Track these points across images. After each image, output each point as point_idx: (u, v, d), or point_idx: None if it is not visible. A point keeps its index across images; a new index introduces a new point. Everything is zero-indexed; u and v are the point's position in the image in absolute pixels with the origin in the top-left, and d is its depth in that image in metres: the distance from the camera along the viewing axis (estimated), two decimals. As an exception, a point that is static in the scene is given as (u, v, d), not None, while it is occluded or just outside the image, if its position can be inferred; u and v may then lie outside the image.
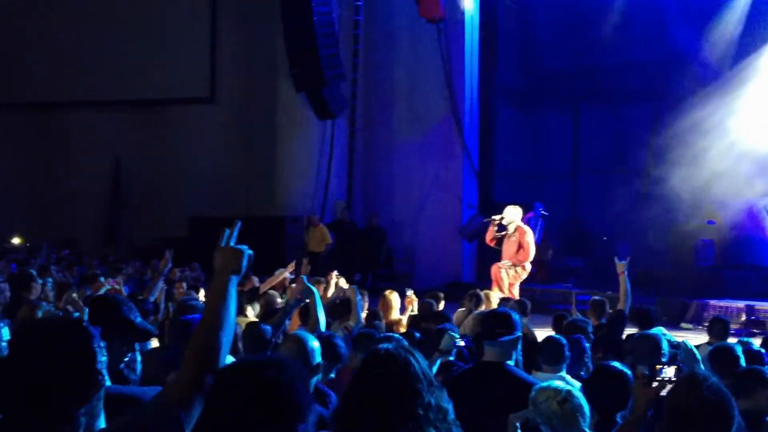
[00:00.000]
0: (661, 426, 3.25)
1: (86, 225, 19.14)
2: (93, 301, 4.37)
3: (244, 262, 2.51)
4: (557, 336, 6.09)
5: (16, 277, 9.51)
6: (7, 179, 19.97)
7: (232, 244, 2.56)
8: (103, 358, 2.25)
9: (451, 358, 5.81)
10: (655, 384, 3.65)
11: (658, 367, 3.74)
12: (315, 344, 4.19)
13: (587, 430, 3.95)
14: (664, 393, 3.55)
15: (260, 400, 2.04)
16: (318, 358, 4.14)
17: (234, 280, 2.47)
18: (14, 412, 2.13)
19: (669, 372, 3.68)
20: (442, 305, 9.43)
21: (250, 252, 2.54)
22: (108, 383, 2.36)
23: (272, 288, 10.63)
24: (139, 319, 3.78)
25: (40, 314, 6.12)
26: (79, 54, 19.49)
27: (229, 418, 2.04)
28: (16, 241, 17.40)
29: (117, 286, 10.00)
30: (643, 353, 5.47)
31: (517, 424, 3.89)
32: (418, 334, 6.78)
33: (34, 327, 2.36)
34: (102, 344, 2.27)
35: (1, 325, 4.61)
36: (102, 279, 10.27)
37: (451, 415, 2.64)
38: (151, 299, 8.11)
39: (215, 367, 2.31)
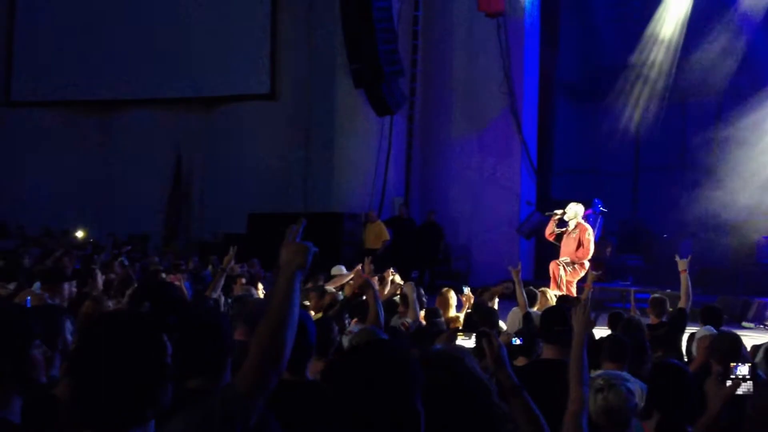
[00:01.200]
0: (745, 424, 3.20)
1: (148, 221, 19.47)
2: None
3: (310, 258, 2.55)
4: (619, 334, 6.02)
5: (79, 273, 9.73)
6: (70, 176, 20.43)
7: (297, 240, 2.60)
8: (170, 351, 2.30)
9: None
10: (729, 382, 3.59)
11: (732, 365, 3.68)
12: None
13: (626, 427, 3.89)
14: (739, 391, 3.49)
15: (396, 376, 2.25)
16: None
17: (299, 276, 2.50)
18: (89, 405, 2.17)
19: (743, 370, 3.62)
20: (495, 303, 9.40)
21: (315, 249, 2.58)
22: None
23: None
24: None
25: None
26: (140, 52, 19.85)
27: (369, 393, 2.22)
28: (79, 235, 17.77)
29: (178, 282, 10.18)
30: (721, 351, 5.39)
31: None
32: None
33: (104, 320, 2.41)
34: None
35: (65, 318, 4.72)
36: (163, 275, 10.49)
37: (505, 416, 2.64)
38: (214, 295, 8.22)
39: (281, 360, 2.35)
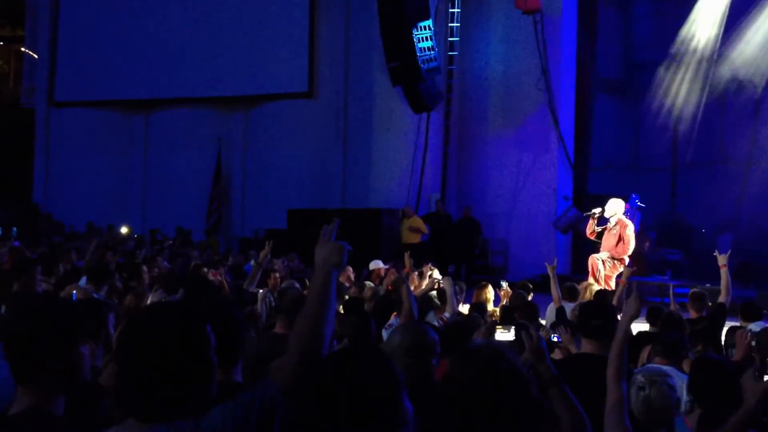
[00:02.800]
0: None
1: (190, 218, 19.69)
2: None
3: (345, 257, 2.63)
4: (674, 333, 6.01)
5: (123, 267, 9.92)
6: (113, 173, 20.75)
7: (332, 239, 2.68)
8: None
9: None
10: (767, 377, 3.58)
11: None
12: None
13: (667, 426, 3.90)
14: None
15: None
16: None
17: (335, 274, 2.58)
18: (133, 394, 2.24)
19: None
20: (530, 297, 9.45)
21: (350, 248, 2.66)
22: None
23: (370, 279, 10.83)
24: None
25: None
26: (180, 51, 20.08)
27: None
28: (123, 231, 18.04)
29: (219, 277, 10.33)
30: (765, 346, 5.40)
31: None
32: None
33: (150, 311, 2.49)
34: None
35: (108, 311, 4.84)
36: (205, 270, 10.64)
37: (540, 412, 2.65)
38: (251, 289, 8.36)
39: (318, 356, 2.41)
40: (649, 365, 4.20)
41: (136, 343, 2.26)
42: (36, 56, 22.64)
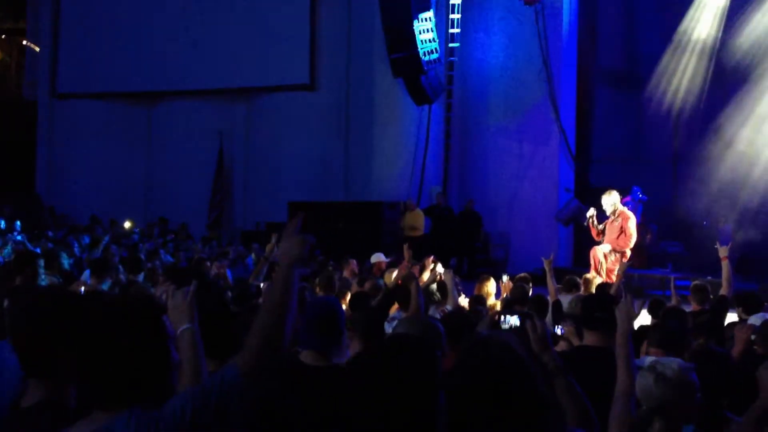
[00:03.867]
0: None
1: (191, 210, 19.70)
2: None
3: (306, 250, 2.64)
4: (669, 322, 6.03)
5: (126, 261, 9.95)
6: (116, 166, 20.75)
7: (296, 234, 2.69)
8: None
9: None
10: None
11: None
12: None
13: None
14: None
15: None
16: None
17: (295, 267, 2.60)
18: (92, 384, 2.32)
19: None
20: (530, 290, 9.48)
21: (313, 240, 2.67)
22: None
23: (371, 272, 10.84)
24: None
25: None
26: (182, 43, 20.04)
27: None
28: (127, 225, 18.06)
29: (222, 270, 10.36)
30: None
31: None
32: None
33: (102, 304, 2.54)
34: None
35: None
36: (208, 263, 10.68)
37: (548, 403, 2.66)
38: (256, 282, 8.36)
39: (281, 346, 2.48)
40: (658, 357, 4.19)
41: (91, 332, 2.35)
42: (38, 49, 22.63)
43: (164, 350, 2.38)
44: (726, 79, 18.77)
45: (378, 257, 11.59)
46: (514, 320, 3.71)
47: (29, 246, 12.09)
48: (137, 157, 21.05)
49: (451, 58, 19.29)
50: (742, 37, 17.70)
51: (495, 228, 18.94)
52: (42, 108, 21.97)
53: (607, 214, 12.23)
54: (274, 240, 8.29)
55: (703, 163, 18.41)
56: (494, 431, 2.51)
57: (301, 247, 2.63)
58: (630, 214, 12.43)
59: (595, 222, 12.36)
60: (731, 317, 7.59)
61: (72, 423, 2.33)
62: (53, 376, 2.55)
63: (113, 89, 20.96)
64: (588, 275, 10.62)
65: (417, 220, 17.38)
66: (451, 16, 19.23)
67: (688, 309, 8.02)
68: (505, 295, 9.32)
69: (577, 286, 9.28)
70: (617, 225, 12.07)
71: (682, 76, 19.19)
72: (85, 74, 21.02)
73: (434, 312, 7.45)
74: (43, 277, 7.30)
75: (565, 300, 8.58)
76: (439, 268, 8.76)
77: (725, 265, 7.89)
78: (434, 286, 8.15)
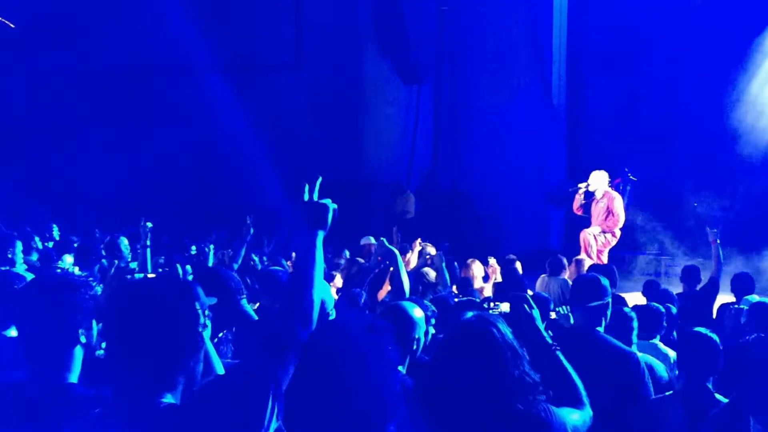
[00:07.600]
0: None
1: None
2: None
3: (330, 217, 2.54)
4: (656, 305, 5.99)
5: (109, 245, 9.82)
6: (105, 141, 20.42)
7: (315, 199, 2.57)
8: (206, 321, 2.30)
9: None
10: None
11: None
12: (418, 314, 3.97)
13: None
14: None
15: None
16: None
17: (321, 236, 2.49)
18: (118, 370, 2.20)
19: None
20: (519, 267, 9.50)
21: (335, 206, 2.56)
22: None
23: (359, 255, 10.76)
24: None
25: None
26: (163, 22, 19.64)
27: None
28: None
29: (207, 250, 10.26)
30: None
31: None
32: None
33: (136, 285, 2.43)
34: (206, 308, 2.33)
35: (95, 284, 4.78)
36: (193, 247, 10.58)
37: (539, 385, 2.63)
38: (235, 266, 8.27)
39: (310, 316, 2.36)
40: None
41: (120, 317, 2.22)
42: (12, 26, 22.24)
43: (194, 337, 2.25)
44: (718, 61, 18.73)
45: (367, 240, 11.54)
46: (504, 307, 3.72)
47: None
48: (121, 136, 20.73)
49: (441, 37, 19.09)
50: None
51: (487, 210, 18.81)
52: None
53: (594, 193, 12.27)
54: (249, 221, 8.22)
55: (696, 144, 18.40)
56: (471, 412, 2.53)
57: (324, 213, 2.53)
58: (616, 194, 12.48)
59: (581, 196, 12.41)
60: (721, 299, 7.57)
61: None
62: None
63: (97, 67, 20.61)
64: (578, 257, 10.61)
65: (408, 204, 17.29)
66: (441, -6, 19.06)
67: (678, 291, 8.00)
68: (494, 278, 9.28)
69: (562, 268, 9.24)
70: (603, 206, 12.10)
71: (676, 55, 19.14)
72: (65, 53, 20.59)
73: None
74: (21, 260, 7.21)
75: (553, 282, 8.56)
76: (430, 250, 8.71)
77: (715, 247, 7.90)
78: (428, 269, 8.10)
